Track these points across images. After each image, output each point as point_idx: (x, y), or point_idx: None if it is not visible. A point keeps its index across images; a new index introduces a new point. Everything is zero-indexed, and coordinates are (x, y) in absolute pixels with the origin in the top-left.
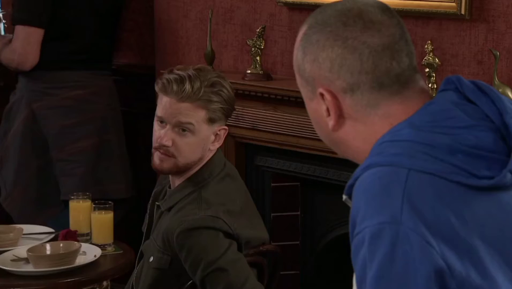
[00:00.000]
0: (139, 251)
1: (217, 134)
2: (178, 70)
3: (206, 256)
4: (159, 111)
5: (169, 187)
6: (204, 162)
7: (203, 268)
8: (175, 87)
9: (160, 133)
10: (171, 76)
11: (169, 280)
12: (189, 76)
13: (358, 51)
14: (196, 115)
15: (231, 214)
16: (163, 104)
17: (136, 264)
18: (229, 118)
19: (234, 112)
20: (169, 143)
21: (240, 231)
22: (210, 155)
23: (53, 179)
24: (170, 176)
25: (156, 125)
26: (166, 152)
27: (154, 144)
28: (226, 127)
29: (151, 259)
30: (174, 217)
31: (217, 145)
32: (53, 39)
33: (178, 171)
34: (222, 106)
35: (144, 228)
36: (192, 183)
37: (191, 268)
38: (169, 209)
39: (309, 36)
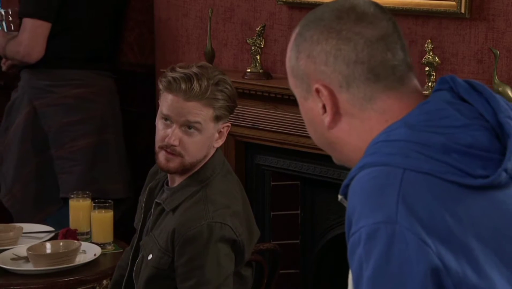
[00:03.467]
0: (134, 245)
1: (220, 131)
2: (181, 68)
3: (202, 276)
4: (164, 110)
5: (166, 184)
6: (207, 159)
7: (193, 285)
8: (183, 85)
9: (166, 132)
10: (177, 75)
11: (165, 279)
12: (196, 75)
13: (352, 42)
14: (203, 114)
15: (236, 216)
16: (169, 102)
17: (129, 256)
18: (229, 117)
19: (234, 110)
20: (176, 142)
21: (243, 238)
22: (213, 152)
23: (53, 176)
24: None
25: (160, 124)
26: (173, 152)
27: (159, 143)
28: (229, 124)
29: (150, 256)
30: (181, 218)
31: (220, 142)
32: (55, 35)
33: (184, 170)
34: (228, 104)
35: (139, 224)
36: (195, 182)
37: (182, 275)
38: (174, 209)
39: (302, 34)
